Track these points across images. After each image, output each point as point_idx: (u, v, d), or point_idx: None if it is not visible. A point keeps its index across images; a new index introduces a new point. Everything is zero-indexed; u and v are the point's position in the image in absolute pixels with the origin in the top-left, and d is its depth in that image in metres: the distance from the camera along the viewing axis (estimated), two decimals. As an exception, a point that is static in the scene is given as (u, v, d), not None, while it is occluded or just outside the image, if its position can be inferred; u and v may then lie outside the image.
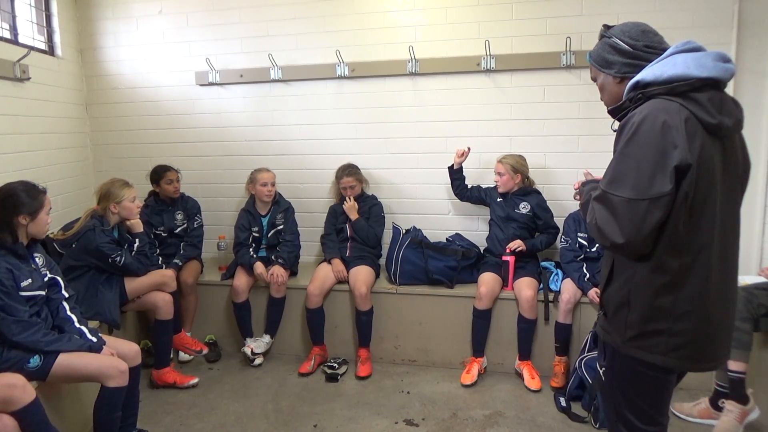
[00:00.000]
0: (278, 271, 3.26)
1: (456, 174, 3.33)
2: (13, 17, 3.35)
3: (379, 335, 3.31)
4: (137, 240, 2.89)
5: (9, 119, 3.19)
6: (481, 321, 3.09)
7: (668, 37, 1.47)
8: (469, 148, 3.28)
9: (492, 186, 3.34)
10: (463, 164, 3.31)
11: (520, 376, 3.07)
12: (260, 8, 3.60)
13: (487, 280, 3.09)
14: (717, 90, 1.35)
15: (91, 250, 2.70)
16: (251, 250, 3.40)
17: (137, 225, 2.90)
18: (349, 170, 3.46)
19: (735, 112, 1.36)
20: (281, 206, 3.49)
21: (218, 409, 2.83)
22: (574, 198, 1.72)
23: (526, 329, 3.03)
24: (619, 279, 1.44)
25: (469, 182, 3.39)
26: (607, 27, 1.49)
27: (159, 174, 3.41)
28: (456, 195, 3.40)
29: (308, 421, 2.70)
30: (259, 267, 3.29)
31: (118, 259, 2.74)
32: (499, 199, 3.27)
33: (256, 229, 3.42)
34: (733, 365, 2.36)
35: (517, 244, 3.13)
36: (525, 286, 3.01)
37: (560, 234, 3.20)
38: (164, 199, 3.45)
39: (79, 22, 3.85)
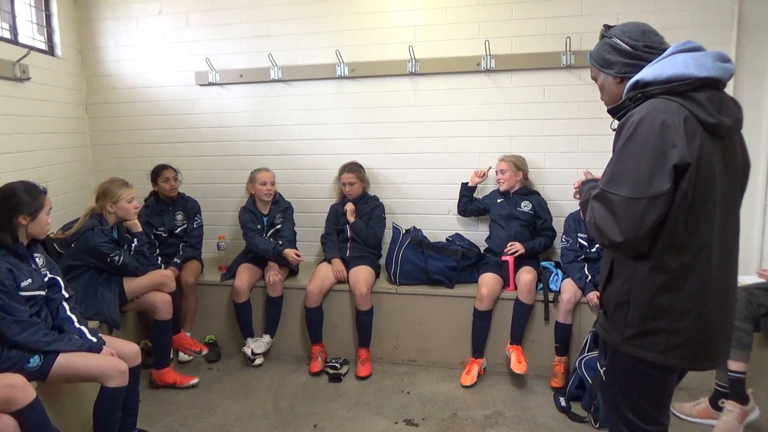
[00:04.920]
0: (273, 271, 3.27)
1: (468, 191, 3.35)
2: (13, 17, 3.35)
3: (379, 335, 3.31)
4: (135, 240, 2.89)
5: (9, 119, 3.19)
6: (482, 322, 3.09)
7: (668, 37, 1.47)
8: (490, 167, 3.33)
9: (488, 193, 3.37)
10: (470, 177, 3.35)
11: (507, 358, 3.06)
12: (260, 8, 3.60)
13: (488, 281, 3.09)
14: (716, 90, 1.35)
15: (90, 249, 2.70)
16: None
17: (135, 225, 2.90)
18: (351, 167, 3.47)
19: (734, 112, 1.36)
20: (281, 206, 3.49)
21: (218, 409, 2.83)
22: (574, 197, 1.72)
23: (521, 312, 3.02)
24: (618, 278, 1.45)
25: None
26: (607, 27, 1.49)
27: (157, 173, 3.43)
28: (460, 212, 3.43)
29: (308, 421, 2.70)
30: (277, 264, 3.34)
31: (116, 258, 2.74)
32: (500, 200, 3.28)
33: (259, 227, 3.42)
34: (733, 365, 2.36)
35: (515, 248, 3.13)
36: (524, 272, 3.03)
37: (561, 234, 3.20)
38: (164, 199, 3.45)
39: (79, 22, 3.85)
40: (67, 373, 2.15)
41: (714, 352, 1.42)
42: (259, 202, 3.45)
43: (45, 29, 3.62)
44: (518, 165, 3.21)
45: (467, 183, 3.35)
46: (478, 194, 3.46)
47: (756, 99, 3.04)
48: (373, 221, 3.44)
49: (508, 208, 3.23)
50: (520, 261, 3.16)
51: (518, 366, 2.95)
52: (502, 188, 3.25)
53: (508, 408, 2.80)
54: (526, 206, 3.20)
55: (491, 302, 3.06)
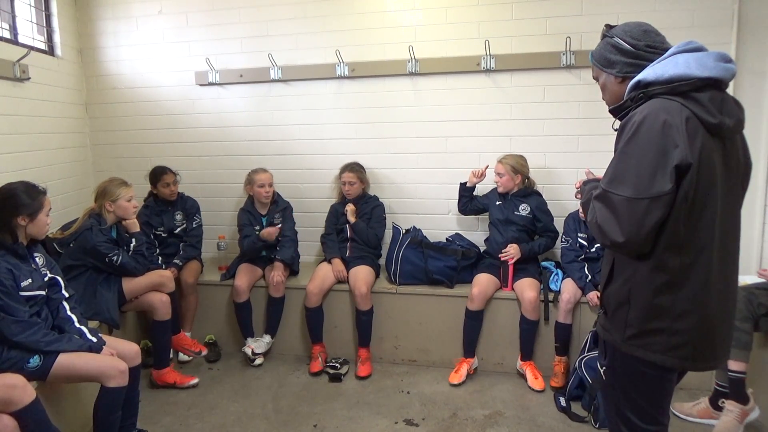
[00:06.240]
0: (277, 271, 3.27)
1: (467, 191, 3.31)
2: (13, 17, 3.34)
3: (379, 335, 3.31)
4: (134, 240, 2.88)
5: (9, 119, 3.18)
6: (473, 322, 3.08)
7: (669, 37, 1.47)
8: (487, 166, 3.28)
9: (488, 192, 3.35)
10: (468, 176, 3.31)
11: (522, 376, 3.07)
12: (260, 8, 3.60)
13: (482, 281, 3.09)
14: (718, 90, 1.35)
15: (88, 249, 2.70)
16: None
17: (134, 225, 2.89)
18: (352, 167, 3.47)
19: (736, 112, 1.36)
20: (279, 206, 3.49)
21: (218, 409, 2.83)
22: (575, 197, 1.72)
23: (528, 330, 3.02)
24: (619, 278, 1.45)
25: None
26: (609, 27, 1.49)
27: (156, 176, 3.41)
28: (460, 211, 3.41)
29: (308, 421, 2.70)
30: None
31: (115, 258, 2.74)
32: (498, 202, 3.26)
33: (257, 228, 3.42)
34: (733, 365, 2.36)
35: (511, 253, 3.10)
36: (527, 288, 3.01)
37: (561, 234, 3.19)
38: (163, 199, 3.45)
39: (79, 22, 3.85)
40: (67, 373, 2.15)
41: (714, 352, 1.42)
42: (257, 203, 3.45)
43: (45, 29, 3.62)
44: (516, 168, 3.13)
45: (465, 183, 3.33)
46: (479, 192, 3.44)
47: (756, 99, 3.04)
48: (374, 221, 3.44)
49: (506, 212, 3.19)
50: (520, 263, 3.14)
51: (536, 382, 2.96)
52: (500, 190, 3.24)
53: (508, 408, 2.80)
54: (524, 210, 3.17)
55: (482, 303, 3.05)
